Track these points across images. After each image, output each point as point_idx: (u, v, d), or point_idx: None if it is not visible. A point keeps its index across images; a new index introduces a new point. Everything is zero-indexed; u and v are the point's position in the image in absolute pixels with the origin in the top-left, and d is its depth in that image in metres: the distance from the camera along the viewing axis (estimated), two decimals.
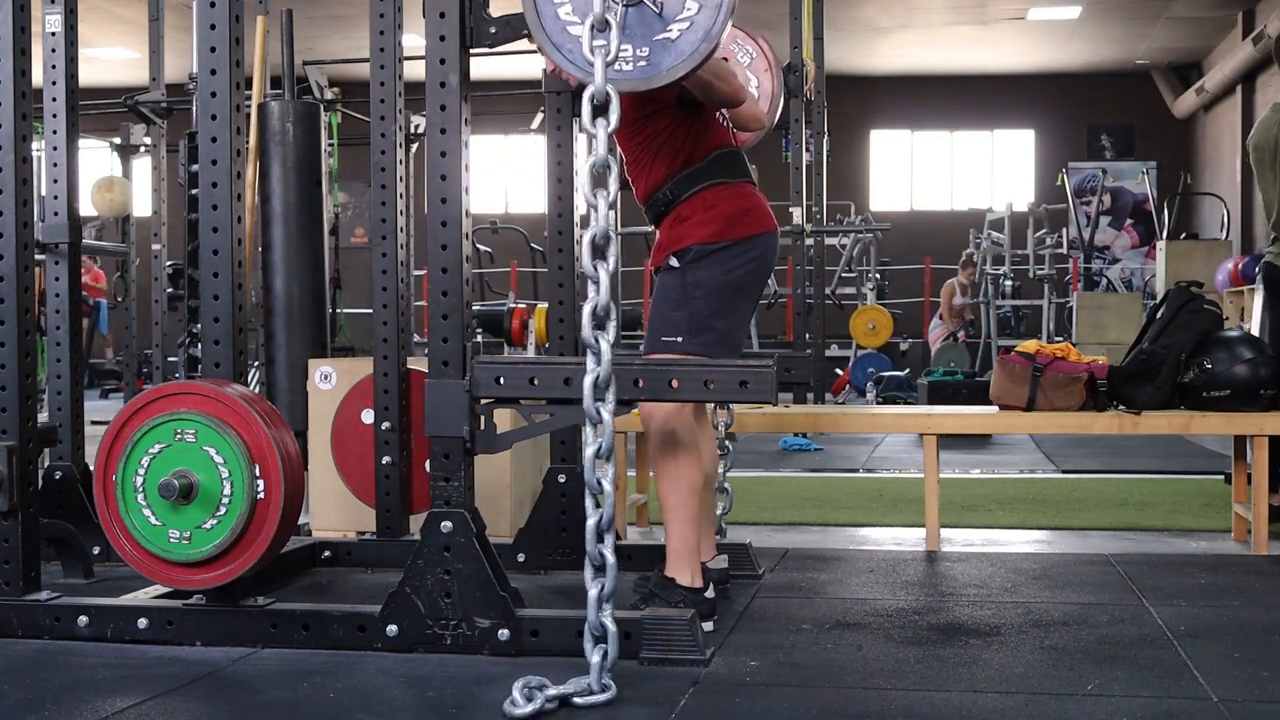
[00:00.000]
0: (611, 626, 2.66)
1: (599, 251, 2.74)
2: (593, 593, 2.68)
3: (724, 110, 3.41)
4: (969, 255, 13.64)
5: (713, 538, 3.61)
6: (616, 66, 2.79)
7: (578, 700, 2.57)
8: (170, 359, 8.48)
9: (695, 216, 3.29)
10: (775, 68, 3.91)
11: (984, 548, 4.50)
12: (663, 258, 3.33)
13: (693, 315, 3.25)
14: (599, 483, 2.72)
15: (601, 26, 2.74)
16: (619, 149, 3.41)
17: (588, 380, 2.72)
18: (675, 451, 3.20)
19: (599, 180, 2.75)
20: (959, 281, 13.52)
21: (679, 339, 3.24)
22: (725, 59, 3.76)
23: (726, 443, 4.20)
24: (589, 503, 2.72)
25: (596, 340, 2.73)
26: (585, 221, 2.81)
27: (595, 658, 2.62)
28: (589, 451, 2.71)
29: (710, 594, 3.23)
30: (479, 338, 9.92)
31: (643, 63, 2.83)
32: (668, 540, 3.24)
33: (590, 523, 2.69)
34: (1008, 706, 2.57)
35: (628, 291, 12.71)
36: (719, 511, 4.16)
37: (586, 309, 2.73)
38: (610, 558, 2.68)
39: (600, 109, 2.74)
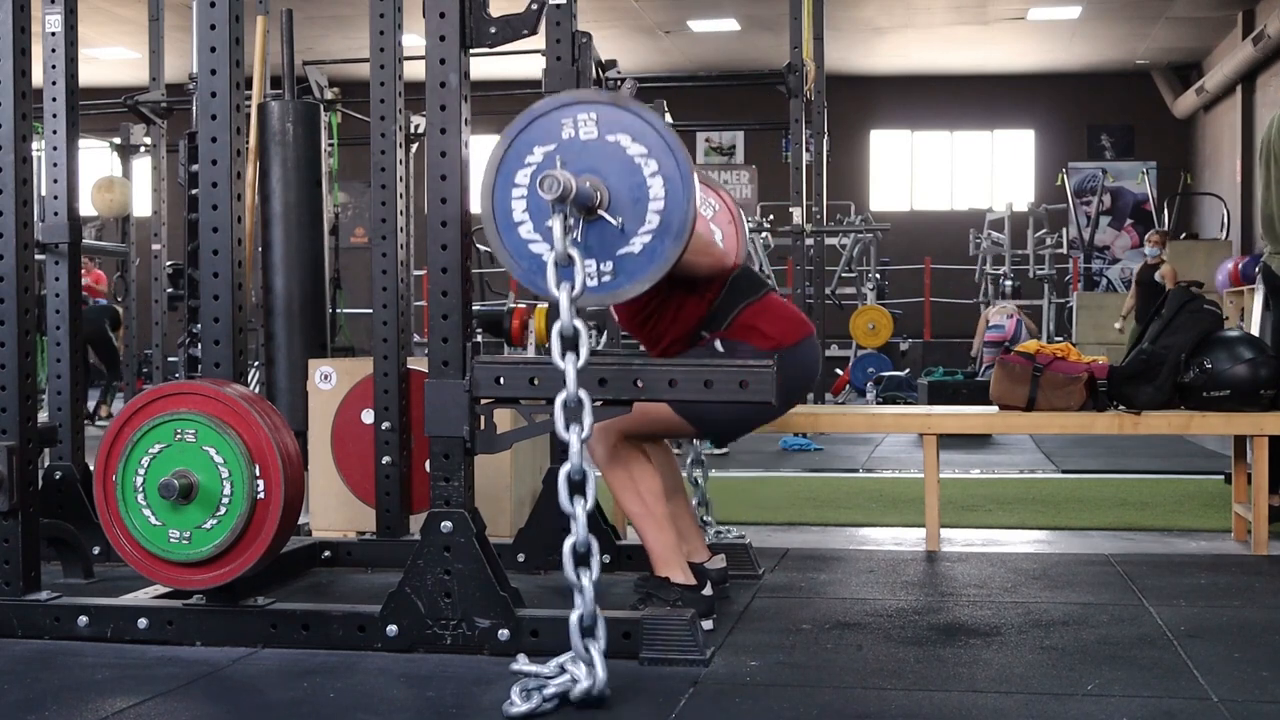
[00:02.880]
0: (601, 616, 2.64)
1: (583, 559, 2.68)
2: (585, 582, 2.65)
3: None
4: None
5: (702, 540, 3.60)
6: (585, 283, 2.76)
7: (575, 696, 2.57)
8: (170, 359, 8.48)
9: (740, 335, 3.28)
10: (738, 218, 3.89)
11: (984, 548, 4.50)
12: (708, 343, 3.31)
13: None
14: (583, 472, 2.68)
15: (564, 261, 2.71)
16: (636, 338, 3.43)
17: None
18: (627, 464, 3.22)
19: (578, 488, 2.69)
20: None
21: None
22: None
23: (697, 475, 4.17)
24: (563, 492, 2.70)
25: (564, 359, 2.70)
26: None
27: (593, 652, 2.60)
28: (574, 443, 2.69)
29: (708, 591, 3.24)
30: (479, 338, 9.91)
31: (607, 278, 2.81)
32: (647, 548, 3.26)
33: (577, 510, 2.66)
34: (1008, 706, 2.57)
35: None
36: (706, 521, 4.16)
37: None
38: (594, 544, 2.66)
39: (571, 344, 2.70)
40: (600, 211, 2.78)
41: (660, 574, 3.22)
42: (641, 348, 3.53)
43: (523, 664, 2.60)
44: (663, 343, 3.36)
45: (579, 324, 2.71)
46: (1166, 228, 15.06)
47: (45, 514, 3.65)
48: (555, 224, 2.70)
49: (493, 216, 2.87)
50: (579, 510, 2.65)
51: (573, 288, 2.70)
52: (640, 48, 17.32)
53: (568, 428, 2.69)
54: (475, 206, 2.98)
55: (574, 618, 2.62)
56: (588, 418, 2.71)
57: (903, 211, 19.45)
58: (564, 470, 2.67)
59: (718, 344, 3.29)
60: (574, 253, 2.71)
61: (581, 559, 2.65)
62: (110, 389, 11.03)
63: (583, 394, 2.71)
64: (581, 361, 2.70)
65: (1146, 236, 11.70)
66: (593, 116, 2.80)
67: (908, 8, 15.90)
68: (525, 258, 2.85)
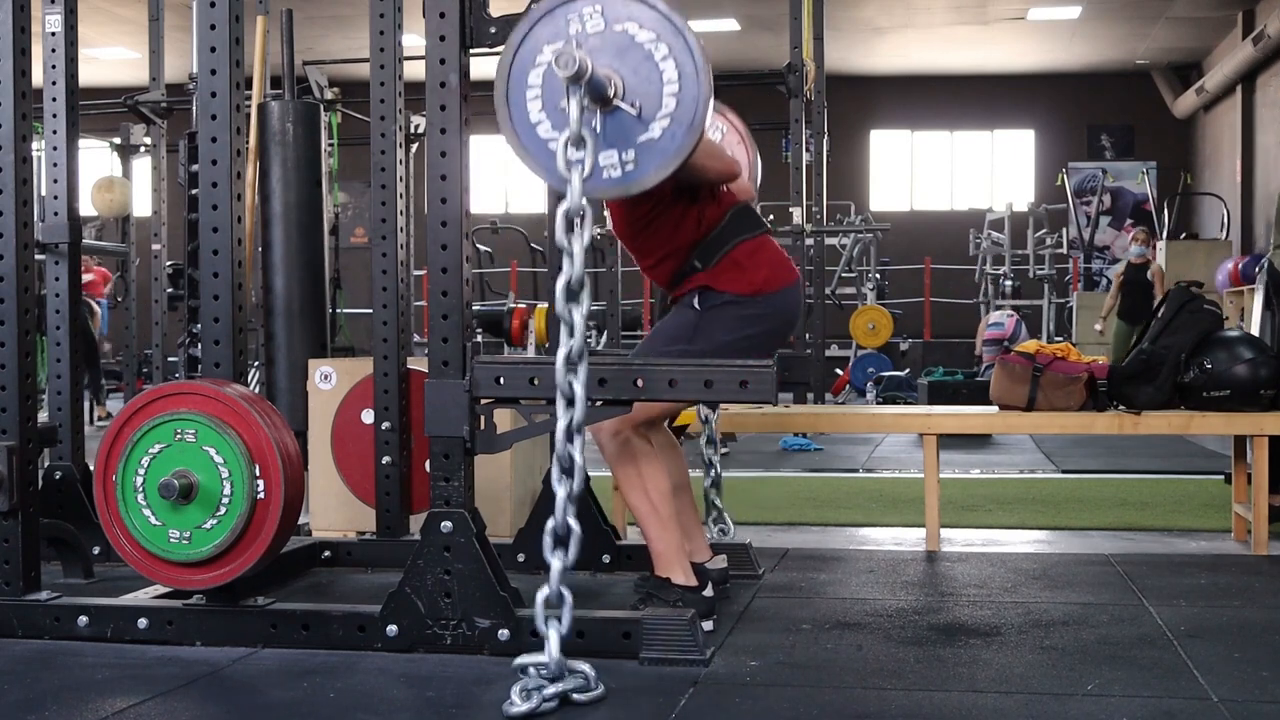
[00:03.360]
0: (568, 596, 2.66)
1: (570, 225, 2.70)
2: (556, 564, 2.66)
3: None
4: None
5: (704, 540, 3.60)
6: (603, 175, 2.76)
7: (577, 698, 2.57)
8: (170, 359, 8.48)
9: (725, 274, 3.27)
10: (747, 139, 3.89)
11: (984, 548, 4.50)
12: (685, 292, 3.30)
13: (687, 354, 3.20)
14: (570, 455, 2.69)
15: (578, 142, 2.70)
16: (629, 250, 3.42)
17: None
18: (635, 459, 3.21)
19: (573, 297, 2.69)
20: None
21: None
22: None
23: (710, 453, 4.18)
24: (555, 470, 2.69)
25: (570, 313, 2.71)
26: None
27: (550, 631, 2.61)
28: (561, 424, 2.69)
29: (708, 592, 3.24)
30: (479, 338, 9.92)
31: (629, 167, 2.80)
32: (650, 546, 3.25)
33: (560, 493, 2.67)
34: (1008, 706, 2.57)
35: (627, 291, 12.70)
36: (718, 507, 4.17)
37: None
38: (576, 527, 2.67)
39: (574, 226, 2.69)
40: (616, 101, 2.77)
41: (662, 574, 3.22)
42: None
43: (525, 659, 2.60)
44: (655, 255, 3.32)
45: (585, 204, 2.69)
46: (1154, 227, 15.05)
47: (45, 514, 3.65)
48: (571, 104, 2.67)
49: (510, 123, 2.85)
50: (576, 452, 2.66)
51: (585, 169, 2.69)
52: None
53: (569, 311, 2.68)
54: (477, 205, 2.98)
55: (539, 594, 2.65)
56: (587, 296, 2.71)
57: (903, 211, 19.45)
58: (562, 423, 2.67)
59: (695, 301, 3.27)
60: (587, 134, 2.70)
61: (560, 541, 2.66)
62: (101, 388, 11.00)
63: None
64: (587, 240, 2.69)
65: (1132, 235, 11.57)
66: (598, 8, 2.79)
67: (908, 8, 15.90)
68: (546, 155, 2.83)
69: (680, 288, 3.33)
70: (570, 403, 2.70)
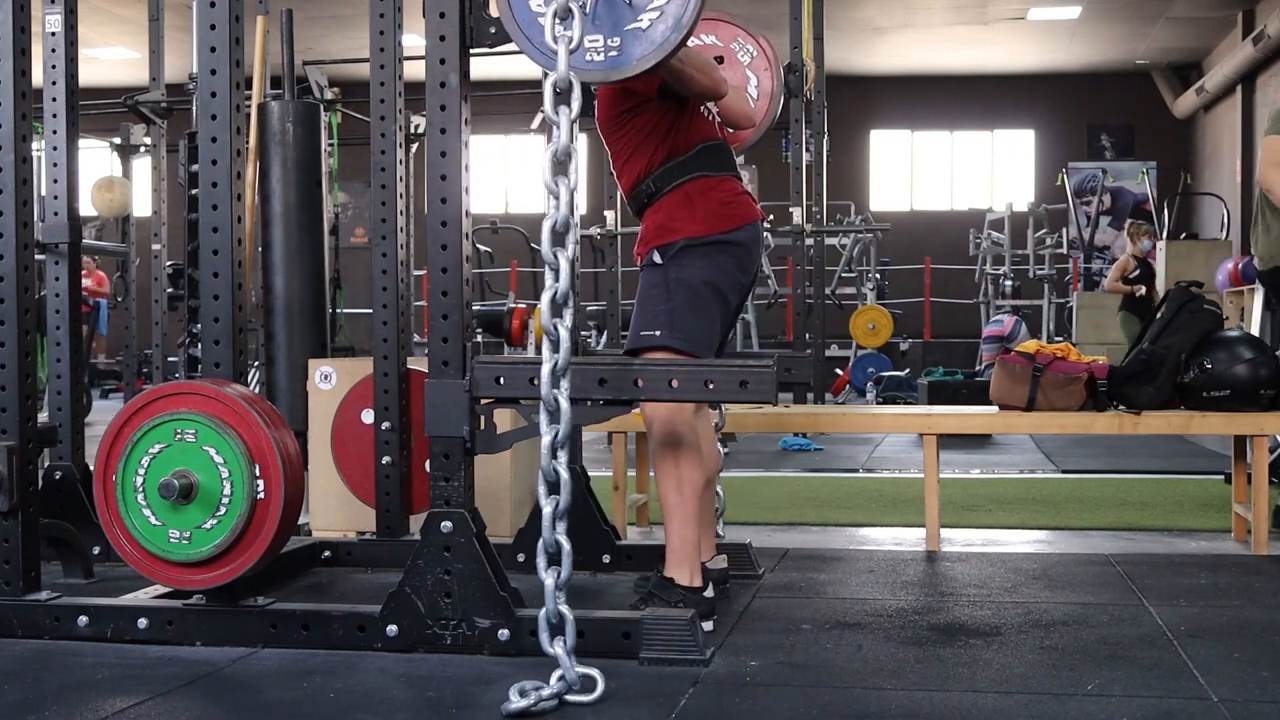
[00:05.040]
0: (569, 614, 2.66)
1: (559, 239, 2.73)
2: (549, 581, 2.67)
3: (711, 107, 3.41)
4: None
5: (713, 538, 3.60)
6: (587, 57, 2.79)
7: (571, 698, 2.57)
8: (170, 359, 8.48)
9: (678, 211, 3.28)
10: (775, 66, 3.90)
11: (984, 548, 4.50)
12: (646, 251, 3.32)
13: (673, 311, 3.23)
14: (555, 471, 2.69)
15: (564, 15, 2.73)
16: (606, 146, 3.42)
17: (545, 369, 2.71)
18: (677, 451, 3.19)
19: (560, 168, 2.74)
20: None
21: (657, 333, 3.23)
22: (721, 57, 3.75)
23: (719, 446, 4.19)
24: (541, 489, 2.70)
25: (555, 328, 2.72)
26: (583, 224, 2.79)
27: (557, 649, 2.62)
28: (546, 440, 2.70)
29: (710, 593, 3.23)
30: (479, 338, 9.91)
31: (614, 53, 2.83)
32: (668, 539, 3.23)
33: (546, 510, 2.68)
34: (1008, 706, 2.57)
35: (627, 291, 12.70)
36: (717, 510, 4.16)
37: (545, 296, 2.72)
38: (565, 544, 2.67)
39: (562, 96, 2.73)
40: None
41: (668, 573, 3.21)
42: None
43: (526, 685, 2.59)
44: (624, 155, 3.34)
45: (574, 79, 2.72)
46: (1154, 226, 15.00)
47: (45, 514, 3.65)
48: None
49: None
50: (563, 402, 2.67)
51: (571, 41, 2.72)
52: None
53: (555, 182, 2.71)
54: (477, 205, 2.98)
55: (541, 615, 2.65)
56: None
57: (903, 211, 19.45)
58: (546, 366, 2.69)
59: (656, 256, 3.27)
60: (574, 6, 2.72)
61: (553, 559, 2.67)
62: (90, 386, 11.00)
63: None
64: (574, 114, 2.73)
65: (1142, 230, 11.42)
66: None
67: (908, 8, 15.90)
68: (535, 29, 2.86)
69: (639, 216, 3.36)
70: (554, 417, 2.71)
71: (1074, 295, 14.41)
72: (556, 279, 2.71)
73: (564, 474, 2.69)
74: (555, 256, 2.72)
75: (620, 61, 2.84)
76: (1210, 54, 17.96)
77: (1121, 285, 11.05)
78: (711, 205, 3.29)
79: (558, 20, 2.74)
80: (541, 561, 2.68)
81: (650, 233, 3.32)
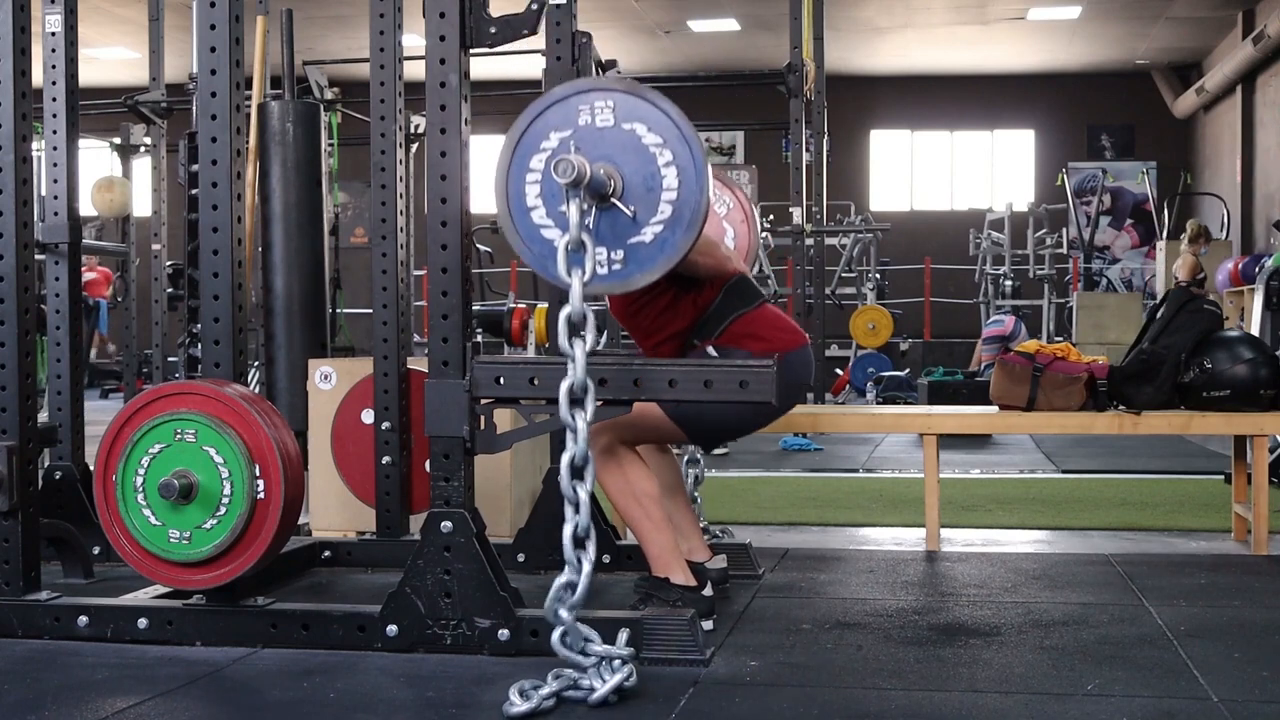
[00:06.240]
0: (574, 622, 2.65)
1: (573, 332, 2.71)
2: (587, 566, 2.65)
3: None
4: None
5: (702, 539, 3.60)
6: (592, 271, 2.77)
7: (569, 695, 2.57)
8: (170, 359, 8.48)
9: (734, 343, 3.29)
10: (751, 219, 3.88)
11: (984, 548, 4.50)
12: (699, 350, 3.31)
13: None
14: (574, 490, 2.67)
15: (577, 247, 2.72)
16: (625, 328, 3.45)
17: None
18: (619, 465, 3.22)
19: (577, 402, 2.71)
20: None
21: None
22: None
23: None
24: (567, 509, 2.68)
25: (572, 346, 2.72)
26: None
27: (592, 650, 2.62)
28: (565, 458, 2.68)
29: (708, 592, 3.24)
30: (479, 338, 9.91)
31: (617, 266, 2.82)
32: (646, 551, 3.25)
33: (567, 530, 2.66)
34: (1008, 706, 2.57)
35: None
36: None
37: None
38: (587, 565, 2.65)
39: (579, 329, 2.71)
40: (613, 200, 2.78)
41: (659, 574, 3.22)
42: (636, 348, 3.53)
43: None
44: (653, 339, 3.36)
45: (588, 310, 2.71)
46: (1154, 226, 14.94)
47: (45, 514, 3.65)
48: (570, 209, 2.69)
49: (506, 200, 2.86)
50: (582, 494, 2.65)
51: (584, 274, 2.71)
52: (640, 48, 17.32)
53: (573, 416, 2.68)
54: (477, 205, 2.98)
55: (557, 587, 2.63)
56: (591, 404, 2.70)
57: (903, 211, 19.45)
58: (566, 456, 2.66)
59: (710, 350, 3.29)
60: (586, 239, 2.72)
61: (579, 543, 2.65)
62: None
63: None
64: (589, 346, 2.70)
65: (1204, 231, 11.05)
66: (610, 104, 2.80)
67: (908, 8, 15.90)
68: (537, 242, 2.85)
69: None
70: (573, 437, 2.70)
71: (1074, 295, 14.41)
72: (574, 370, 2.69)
73: (583, 495, 2.66)
74: (571, 347, 2.71)
75: (626, 274, 2.82)
76: (1210, 54, 17.96)
77: (1196, 288, 10.77)
78: (762, 334, 3.30)
79: (570, 251, 2.71)
80: (569, 545, 2.64)
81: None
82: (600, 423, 3.08)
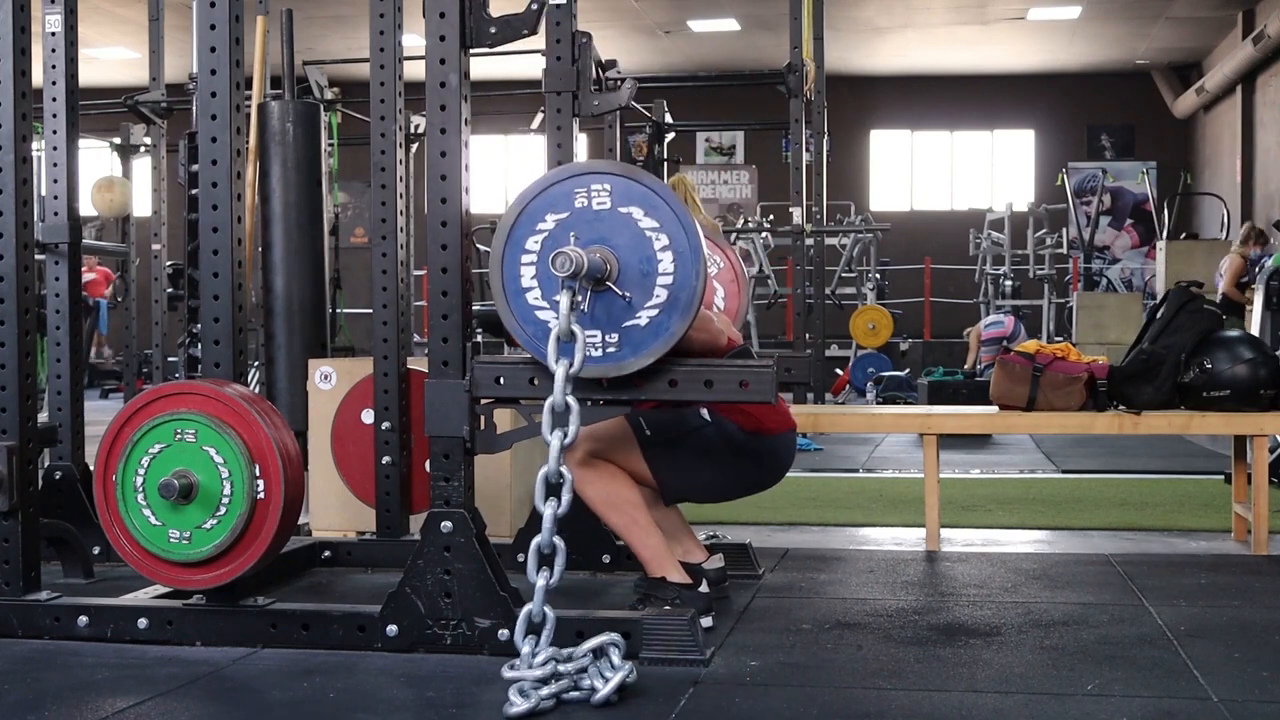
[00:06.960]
0: (551, 615, 2.67)
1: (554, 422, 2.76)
2: (540, 583, 2.68)
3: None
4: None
5: (695, 540, 3.60)
6: (587, 353, 2.79)
7: (569, 696, 2.58)
8: (170, 359, 8.48)
9: (722, 415, 3.33)
10: (742, 280, 3.89)
11: (984, 548, 4.50)
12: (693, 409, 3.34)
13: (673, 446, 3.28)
14: (560, 473, 2.71)
15: (567, 338, 2.74)
16: None
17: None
18: (599, 476, 3.23)
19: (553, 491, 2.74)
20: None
21: (647, 431, 3.28)
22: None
23: None
24: (538, 496, 2.71)
25: (572, 333, 2.74)
26: None
27: (526, 647, 2.63)
28: (555, 445, 2.72)
29: (704, 589, 3.25)
30: (479, 338, 9.91)
31: (611, 349, 2.84)
32: (637, 554, 3.28)
33: (547, 513, 2.69)
34: (1008, 706, 2.57)
35: None
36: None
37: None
38: (559, 543, 2.69)
39: (561, 419, 2.75)
40: (608, 284, 2.80)
41: (655, 575, 3.22)
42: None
43: (512, 672, 2.59)
44: (645, 407, 3.36)
45: (571, 401, 2.74)
46: (1155, 226, 14.88)
47: (45, 514, 3.65)
48: (563, 300, 2.73)
49: (501, 280, 2.89)
50: (548, 513, 2.69)
51: (570, 364, 2.73)
52: (640, 48, 17.31)
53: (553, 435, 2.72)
54: (477, 205, 2.98)
55: (521, 612, 2.67)
56: (574, 424, 2.73)
57: (903, 211, 19.44)
58: (541, 472, 2.71)
59: (704, 412, 3.32)
60: (576, 330, 2.74)
61: (545, 559, 2.68)
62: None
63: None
64: (569, 439, 2.73)
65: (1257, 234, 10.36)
66: (606, 187, 2.82)
67: (908, 8, 15.90)
68: (530, 323, 2.88)
69: None
70: (562, 420, 2.73)
71: (1074, 295, 14.41)
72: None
73: (569, 476, 2.72)
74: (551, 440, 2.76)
75: (620, 358, 2.85)
76: (1210, 54, 17.95)
77: (1236, 292, 9.86)
78: (754, 411, 3.32)
79: (560, 341, 2.76)
80: (533, 561, 2.69)
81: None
82: (579, 435, 3.12)
